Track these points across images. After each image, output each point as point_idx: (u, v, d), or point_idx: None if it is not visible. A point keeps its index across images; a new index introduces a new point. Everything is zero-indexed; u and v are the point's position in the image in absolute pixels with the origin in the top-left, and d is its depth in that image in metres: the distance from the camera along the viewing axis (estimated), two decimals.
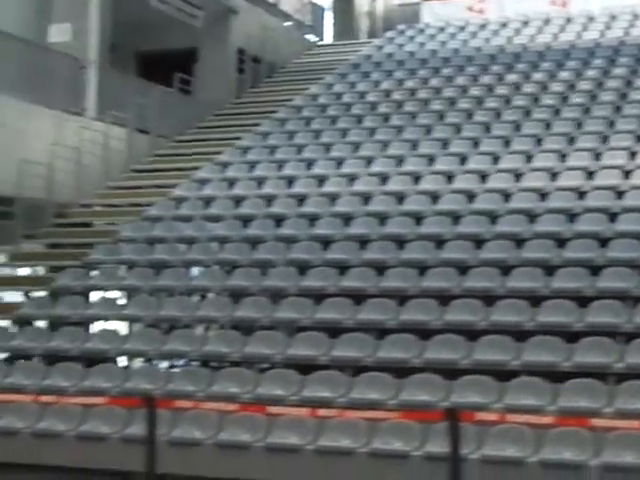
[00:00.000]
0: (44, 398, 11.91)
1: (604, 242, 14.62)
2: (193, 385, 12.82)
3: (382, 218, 16.42)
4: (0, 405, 12.69)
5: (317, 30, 33.00)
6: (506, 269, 14.30)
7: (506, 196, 16.55)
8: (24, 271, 18.42)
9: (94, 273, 16.62)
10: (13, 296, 17.29)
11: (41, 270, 18.20)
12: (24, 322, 15.41)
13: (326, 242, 15.91)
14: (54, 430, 12.34)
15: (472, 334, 12.93)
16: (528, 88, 21.68)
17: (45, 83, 19.78)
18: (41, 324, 15.27)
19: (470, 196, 16.76)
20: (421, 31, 28.70)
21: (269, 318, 14.08)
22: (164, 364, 14.61)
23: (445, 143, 19.31)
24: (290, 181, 18.57)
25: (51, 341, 14.46)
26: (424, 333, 13.11)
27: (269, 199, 17.87)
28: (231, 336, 13.86)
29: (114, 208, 19.72)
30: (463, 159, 18.38)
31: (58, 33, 21.24)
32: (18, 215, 18.19)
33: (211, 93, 24.67)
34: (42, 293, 16.06)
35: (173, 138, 22.72)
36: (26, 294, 16.32)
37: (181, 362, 14.61)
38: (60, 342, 14.38)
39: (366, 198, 17.30)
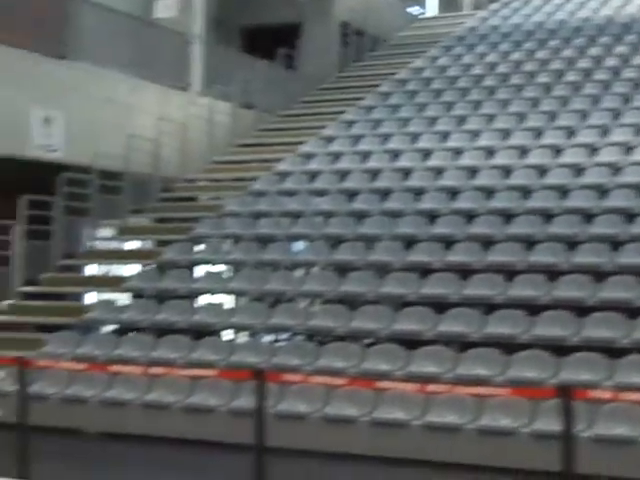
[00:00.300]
0: (153, 370, 12.03)
1: None
2: (298, 359, 12.83)
3: (488, 192, 16.21)
4: (110, 376, 12.92)
5: (421, 2, 32.70)
6: (616, 244, 14.01)
7: (616, 169, 16.20)
8: (132, 245, 18.69)
9: (200, 247, 16.76)
10: (122, 269, 17.59)
11: (148, 244, 18.45)
12: (132, 295, 15.63)
13: (432, 216, 15.77)
14: (163, 402, 12.50)
15: (581, 310, 12.69)
16: (637, 60, 21.18)
17: (152, 59, 20.00)
18: (149, 297, 15.44)
19: (579, 170, 16.45)
20: (527, 2, 28.20)
21: (374, 293, 14.02)
22: (268, 338, 14.67)
23: (552, 116, 18.98)
24: (395, 155, 18.46)
25: (159, 314, 14.62)
26: (532, 309, 12.92)
27: (374, 173, 17.80)
28: (336, 310, 13.84)
29: (219, 183, 19.88)
30: (571, 132, 18.04)
31: (164, 9, 21.44)
32: (126, 190, 18.46)
33: (315, 67, 24.67)
34: (150, 267, 16.27)
35: (277, 112, 22.76)
36: (142, 266, 16.52)
37: (284, 336, 14.67)
38: (167, 315, 14.53)
39: (472, 172, 17.10)
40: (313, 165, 18.89)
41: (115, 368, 12.40)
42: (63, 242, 17.27)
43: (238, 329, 14.53)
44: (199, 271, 16.14)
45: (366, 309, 13.67)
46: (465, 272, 14.04)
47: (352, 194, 17.15)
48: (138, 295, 15.52)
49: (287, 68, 24.29)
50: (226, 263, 16.15)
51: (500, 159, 17.47)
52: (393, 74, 23.41)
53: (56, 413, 12.63)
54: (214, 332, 14.20)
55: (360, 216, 16.27)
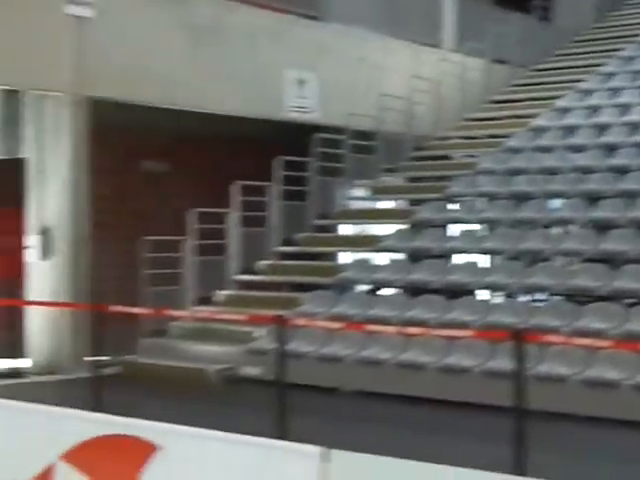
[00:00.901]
0: (408, 329, 11.94)
1: None
2: (557, 320, 12.41)
3: None
4: (365, 335, 12.94)
5: None
6: None
7: None
8: (385, 204, 18.69)
9: (454, 206, 16.54)
10: (375, 229, 17.61)
11: (401, 203, 18.39)
12: (387, 254, 15.59)
13: None
14: (418, 362, 12.41)
15: None
16: None
17: (402, 16, 19.84)
18: (402, 256, 15.38)
19: None
20: None
21: (638, 251, 13.37)
22: (525, 298, 14.30)
23: None
24: None
25: (413, 273, 14.51)
26: None
27: (635, 126, 17.00)
28: (596, 269, 13.30)
29: (472, 140, 19.56)
30: None
31: None
32: (379, 149, 18.45)
33: (570, 19, 23.83)
34: (403, 226, 16.19)
35: (531, 67, 22.16)
36: (395, 225, 16.46)
37: (543, 296, 14.26)
38: (422, 274, 14.41)
39: None
40: (570, 120, 18.26)
41: (370, 327, 12.40)
42: (317, 202, 17.45)
43: (494, 289, 14.23)
44: (453, 230, 15.93)
45: (629, 268, 13.05)
46: None
47: (612, 148, 16.46)
48: (393, 255, 15.48)
49: (541, 20, 23.58)
50: (481, 222, 15.85)
51: None
52: None
53: (312, 371, 12.77)
54: (469, 292, 13.97)
55: (621, 171, 15.57)
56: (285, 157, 16.67)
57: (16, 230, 14.95)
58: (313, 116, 17.97)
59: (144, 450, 5.16)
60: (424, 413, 11.50)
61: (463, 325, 12.57)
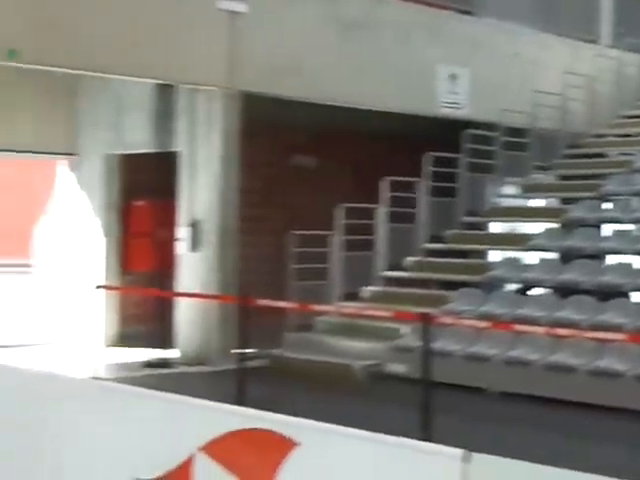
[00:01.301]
0: (557, 331, 11.66)
1: None
2: None
3: None
4: (513, 335, 12.71)
5: None
6: None
7: None
8: (537, 202, 18.33)
9: (608, 205, 16.10)
10: (526, 227, 17.28)
11: (554, 201, 18.01)
12: (537, 254, 15.28)
13: None
14: (567, 364, 12.11)
15: None
16: None
17: (558, 11, 19.45)
18: (553, 256, 15.05)
19: None
20: None
21: None
22: None
23: None
24: None
25: (563, 273, 14.18)
26: None
27: None
28: None
29: (628, 138, 19.00)
30: None
31: None
32: (531, 146, 18.12)
33: None
34: (555, 225, 15.85)
35: None
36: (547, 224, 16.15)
37: None
38: (573, 275, 14.06)
39: None
40: None
41: (519, 327, 12.16)
42: (467, 199, 17.23)
43: None
44: (607, 230, 15.50)
45: None
46: None
47: None
48: (543, 254, 15.17)
49: None
50: (636, 221, 15.38)
51: None
52: None
53: (458, 370, 12.61)
54: (622, 294, 13.56)
55: None
56: (435, 153, 16.51)
57: (168, 222, 15.24)
58: (465, 112, 17.77)
59: (283, 446, 5.12)
60: (572, 417, 11.21)
61: (615, 328, 12.19)
